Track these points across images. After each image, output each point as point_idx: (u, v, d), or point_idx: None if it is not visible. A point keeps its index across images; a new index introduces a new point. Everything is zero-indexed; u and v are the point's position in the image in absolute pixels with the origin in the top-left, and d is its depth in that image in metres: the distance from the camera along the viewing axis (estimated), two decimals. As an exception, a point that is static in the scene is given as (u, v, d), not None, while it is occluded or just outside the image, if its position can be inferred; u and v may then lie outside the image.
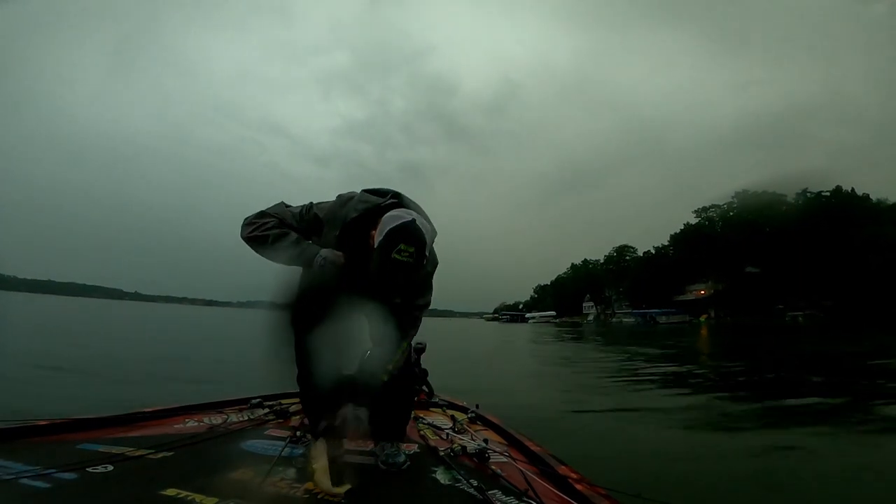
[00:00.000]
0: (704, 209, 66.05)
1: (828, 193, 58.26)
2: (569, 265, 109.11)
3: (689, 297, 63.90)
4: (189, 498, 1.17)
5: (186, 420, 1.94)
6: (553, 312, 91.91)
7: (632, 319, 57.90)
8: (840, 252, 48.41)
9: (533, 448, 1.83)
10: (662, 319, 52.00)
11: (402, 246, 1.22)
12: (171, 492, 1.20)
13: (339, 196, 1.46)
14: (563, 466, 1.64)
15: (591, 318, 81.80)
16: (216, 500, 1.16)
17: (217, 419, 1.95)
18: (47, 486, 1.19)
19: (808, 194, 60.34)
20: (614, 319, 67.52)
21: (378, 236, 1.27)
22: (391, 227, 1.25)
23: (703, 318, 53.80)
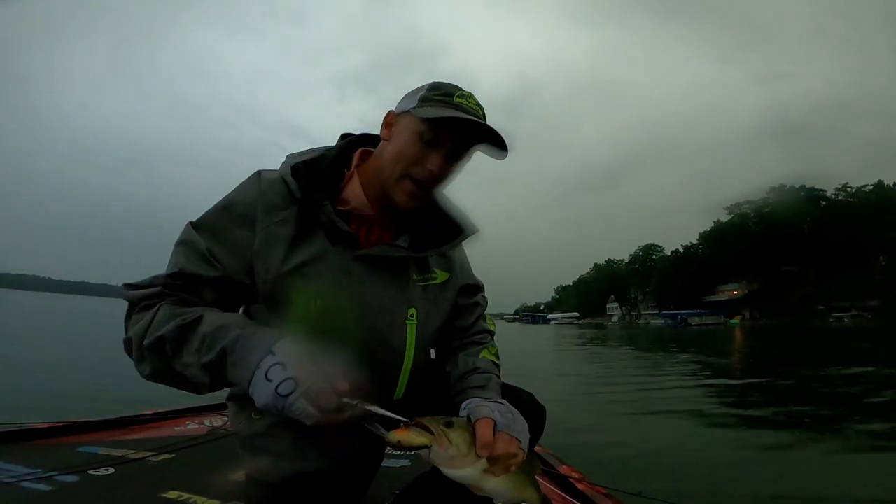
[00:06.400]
0: (737, 205, 63.61)
1: (870, 187, 55.33)
2: (591, 265, 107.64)
3: (721, 297, 61.66)
4: (191, 500, 1.14)
5: (187, 422, 1.92)
6: (576, 313, 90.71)
7: (660, 321, 56.19)
8: (884, 249, 45.66)
9: (534, 448, 1.75)
10: (695, 321, 49.73)
11: (464, 92, 0.74)
12: (172, 494, 1.17)
13: None
14: (564, 466, 1.61)
15: (615, 319, 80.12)
16: (218, 502, 1.13)
17: (218, 421, 1.92)
18: (48, 489, 1.18)
19: (849, 188, 57.48)
20: (641, 321, 65.83)
21: (408, 101, 0.75)
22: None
23: (737, 320, 51.43)
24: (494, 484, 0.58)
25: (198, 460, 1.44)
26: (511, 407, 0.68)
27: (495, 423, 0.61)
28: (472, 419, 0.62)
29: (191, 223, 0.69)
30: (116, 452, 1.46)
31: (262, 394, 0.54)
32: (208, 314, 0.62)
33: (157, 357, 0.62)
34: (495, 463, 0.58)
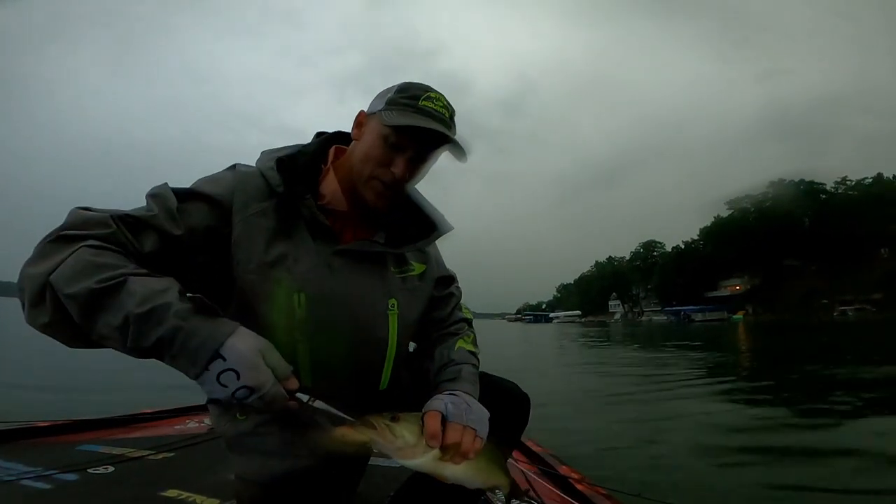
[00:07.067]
0: (737, 200, 63.54)
1: (869, 181, 55.25)
2: (592, 263, 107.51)
3: (723, 292, 61.49)
4: (190, 499, 1.14)
5: (187, 421, 1.93)
6: (578, 312, 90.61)
7: (663, 317, 56.03)
8: (886, 242, 45.54)
9: (534, 448, 1.79)
10: (698, 317, 49.67)
11: (431, 94, 0.74)
12: (171, 493, 1.17)
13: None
14: (563, 466, 1.63)
15: (617, 316, 79.97)
16: (217, 500, 1.13)
17: None
18: (48, 487, 1.18)
19: (848, 182, 57.39)
20: (643, 318, 65.63)
21: (377, 103, 0.75)
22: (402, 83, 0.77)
23: (740, 315, 51.29)
24: (455, 471, 0.62)
25: (197, 459, 1.44)
26: (467, 398, 0.69)
27: (445, 415, 0.63)
28: (424, 412, 0.64)
29: (167, 184, 0.68)
30: (116, 451, 1.47)
31: (214, 393, 0.54)
32: (131, 282, 0.54)
33: (62, 312, 0.54)
34: (447, 452, 0.61)
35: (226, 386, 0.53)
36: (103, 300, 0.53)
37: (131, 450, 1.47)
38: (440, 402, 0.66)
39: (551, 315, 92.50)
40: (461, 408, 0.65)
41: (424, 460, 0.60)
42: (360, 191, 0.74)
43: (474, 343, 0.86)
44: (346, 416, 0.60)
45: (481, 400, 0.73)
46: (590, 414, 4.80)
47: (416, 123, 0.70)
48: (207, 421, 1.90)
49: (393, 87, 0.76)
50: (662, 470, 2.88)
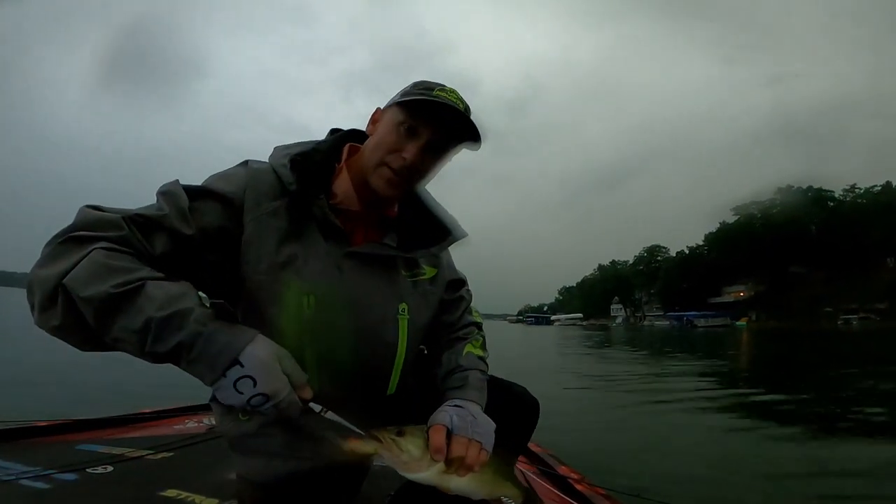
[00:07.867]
0: (744, 206, 63.33)
1: (878, 188, 54.99)
2: (595, 266, 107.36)
3: (727, 298, 61.31)
4: (189, 499, 1.13)
5: (186, 421, 1.91)
6: (580, 315, 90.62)
7: (665, 322, 56.05)
8: (892, 251, 45.28)
9: (533, 448, 1.76)
10: (701, 323, 49.76)
11: (446, 88, 0.74)
12: (171, 493, 1.16)
13: None
14: (563, 466, 1.61)
15: (619, 320, 79.88)
16: (216, 500, 1.11)
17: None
18: (47, 487, 1.17)
19: (857, 189, 57.16)
20: (645, 322, 65.51)
21: (393, 98, 0.77)
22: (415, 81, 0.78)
23: (743, 322, 51.16)
24: (460, 483, 0.62)
25: (197, 459, 1.43)
26: (474, 410, 0.69)
27: (450, 428, 0.63)
28: (429, 425, 0.64)
29: (178, 181, 0.67)
30: (115, 451, 1.45)
31: (229, 399, 0.54)
32: (150, 286, 0.53)
33: (74, 315, 0.53)
34: (452, 465, 0.61)
35: (242, 393, 0.53)
36: (121, 304, 0.52)
37: (130, 449, 1.46)
38: (445, 414, 0.65)
39: (552, 318, 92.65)
40: (467, 420, 0.65)
41: (429, 474, 0.60)
42: (370, 180, 0.73)
43: (483, 347, 0.85)
44: (353, 428, 0.60)
45: (490, 404, 0.71)
46: (589, 415, 4.78)
47: (431, 98, 0.71)
48: (207, 420, 1.88)
49: (408, 84, 0.77)
50: (662, 470, 2.88)
